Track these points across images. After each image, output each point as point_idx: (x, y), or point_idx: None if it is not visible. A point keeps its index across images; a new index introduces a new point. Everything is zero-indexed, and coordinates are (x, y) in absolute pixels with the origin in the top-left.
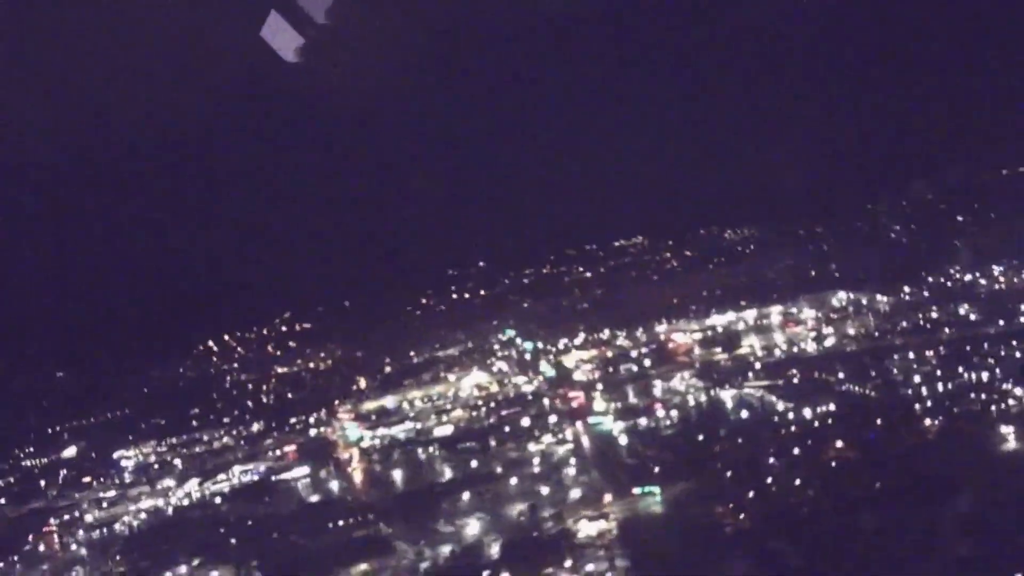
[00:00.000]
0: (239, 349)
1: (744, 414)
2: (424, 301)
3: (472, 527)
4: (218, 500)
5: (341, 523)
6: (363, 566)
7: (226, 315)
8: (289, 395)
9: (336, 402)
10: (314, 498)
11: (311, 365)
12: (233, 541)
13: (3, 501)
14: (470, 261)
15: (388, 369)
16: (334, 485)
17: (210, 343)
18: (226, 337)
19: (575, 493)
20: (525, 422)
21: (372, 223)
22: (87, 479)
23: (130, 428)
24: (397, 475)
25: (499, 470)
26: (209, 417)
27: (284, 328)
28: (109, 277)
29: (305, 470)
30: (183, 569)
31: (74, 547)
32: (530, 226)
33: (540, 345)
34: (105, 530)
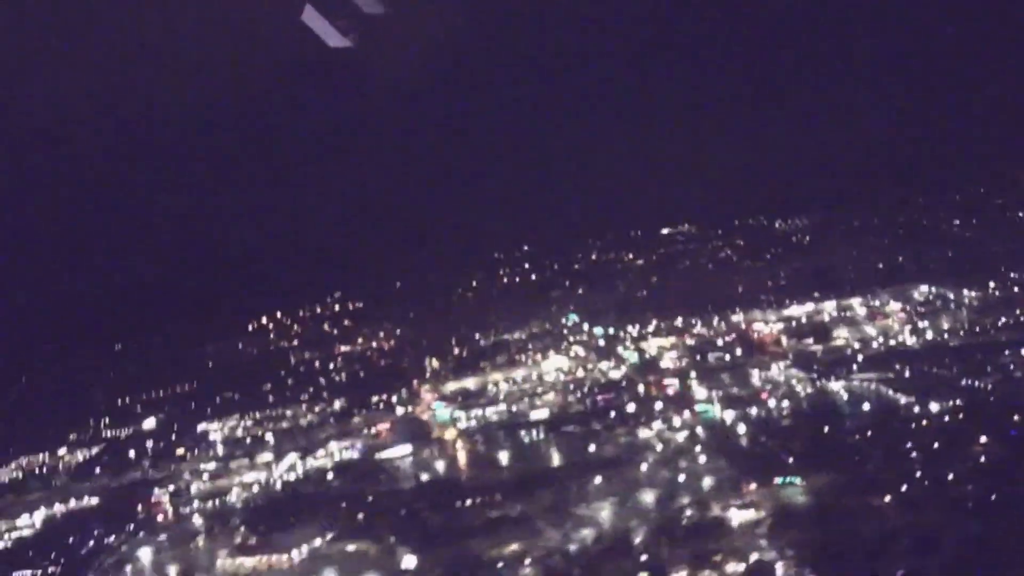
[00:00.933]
0: (296, 327)
1: (865, 406)
2: (474, 284)
3: (607, 511)
4: (330, 476)
5: (468, 502)
6: (514, 546)
7: (276, 293)
8: (361, 374)
9: (415, 382)
10: (424, 476)
11: (374, 345)
12: (360, 516)
13: (98, 471)
14: (514, 245)
15: (457, 351)
16: (440, 465)
17: (263, 320)
18: (279, 315)
19: (708, 481)
20: (630, 408)
21: (416, 207)
22: (180, 451)
23: (205, 402)
24: (503, 456)
25: (615, 454)
26: (285, 394)
27: (337, 307)
28: (153, 255)
29: (407, 449)
30: (317, 542)
31: (195, 519)
32: (572, 212)
33: (611, 331)
34: (217, 502)
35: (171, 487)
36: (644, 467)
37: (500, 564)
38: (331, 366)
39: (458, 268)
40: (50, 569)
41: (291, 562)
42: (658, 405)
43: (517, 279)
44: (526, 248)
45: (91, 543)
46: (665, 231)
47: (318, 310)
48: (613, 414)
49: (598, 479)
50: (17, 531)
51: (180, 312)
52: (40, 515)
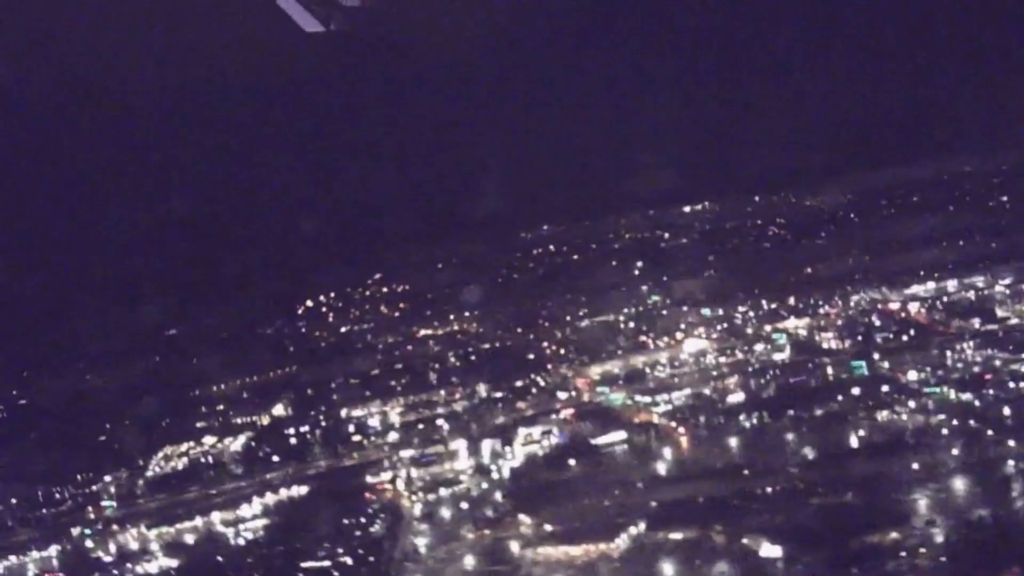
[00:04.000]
0: (353, 310)
1: None
2: (516, 264)
3: (943, 498)
4: (571, 461)
5: (769, 489)
6: (894, 534)
7: (312, 275)
8: (473, 358)
9: (549, 366)
10: (662, 465)
11: (457, 327)
12: (653, 504)
13: (276, 459)
14: (535, 225)
15: (558, 334)
16: (668, 451)
17: (308, 303)
18: (321, 297)
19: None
20: (855, 391)
21: (436, 190)
22: (356, 438)
23: (321, 386)
24: (734, 442)
25: (886, 439)
26: (401, 378)
27: (385, 289)
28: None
29: (621, 435)
30: (633, 530)
31: (445, 508)
32: (586, 191)
33: (720, 312)
34: (456, 488)
35: (384, 475)
36: (954, 451)
37: (903, 553)
38: (426, 349)
39: (489, 249)
40: (338, 560)
41: (619, 550)
42: (883, 387)
43: (559, 260)
44: (545, 228)
45: (357, 532)
46: (686, 209)
47: (366, 292)
48: (840, 397)
49: (915, 465)
50: (250, 522)
51: (212, 294)
52: (256, 506)
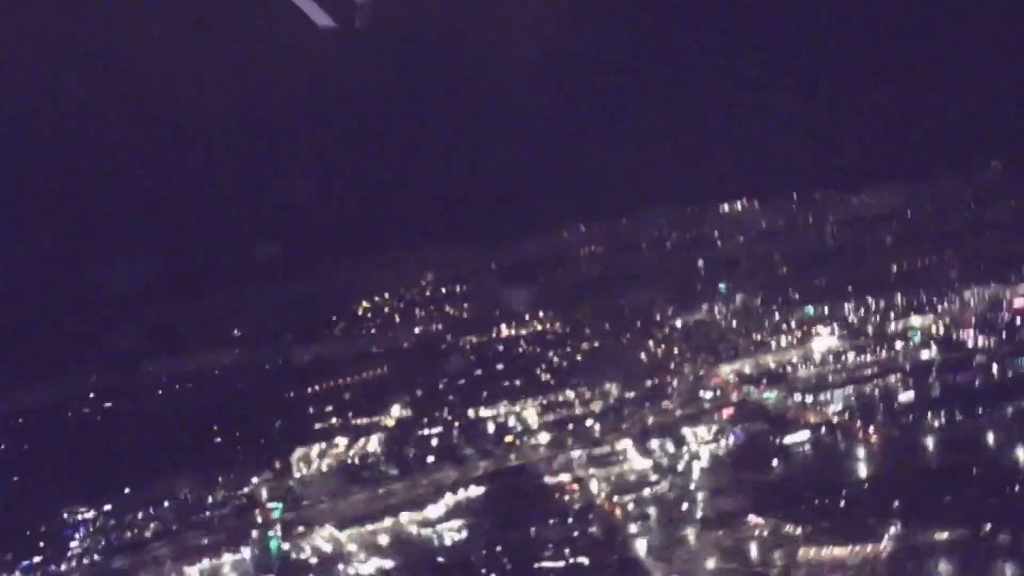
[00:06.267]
0: (418, 310)
1: None
2: (568, 263)
3: None
4: (774, 462)
5: (1017, 488)
6: None
7: (358, 278)
8: (578, 358)
9: (672, 365)
10: (866, 465)
11: (539, 327)
12: (895, 504)
13: (430, 460)
14: (571, 224)
15: (658, 333)
16: (861, 450)
17: (365, 304)
18: (377, 299)
19: None
20: None
21: (453, 191)
22: (508, 438)
23: (428, 389)
24: (930, 442)
25: None
26: (516, 380)
27: (444, 289)
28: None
29: (805, 434)
30: (891, 530)
31: (652, 508)
32: (616, 188)
33: (825, 310)
34: (654, 489)
35: (563, 475)
36: None
37: None
38: (519, 349)
39: (535, 248)
40: (571, 560)
41: (887, 551)
42: None
43: (611, 258)
44: (582, 227)
45: (574, 533)
46: (725, 207)
47: (425, 293)
48: None
49: None
50: (444, 522)
51: (253, 295)
52: (440, 507)
